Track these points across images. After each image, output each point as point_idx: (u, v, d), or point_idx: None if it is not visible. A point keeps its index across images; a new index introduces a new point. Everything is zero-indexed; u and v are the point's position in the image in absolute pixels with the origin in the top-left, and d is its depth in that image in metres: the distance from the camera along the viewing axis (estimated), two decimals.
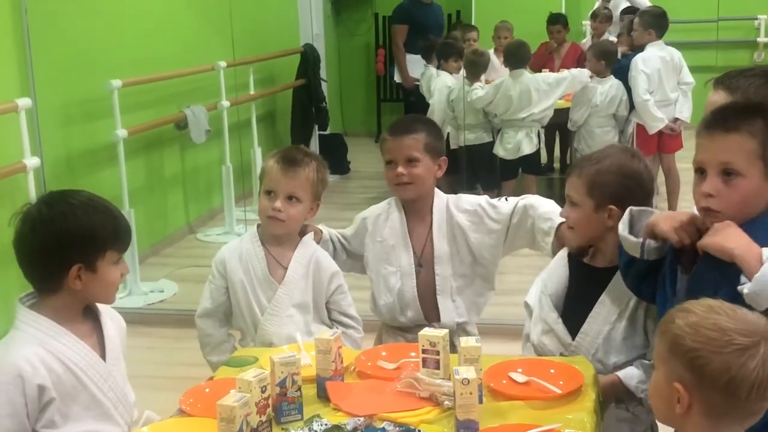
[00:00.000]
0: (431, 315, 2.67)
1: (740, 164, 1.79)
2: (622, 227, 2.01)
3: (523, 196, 2.68)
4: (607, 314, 2.18)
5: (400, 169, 2.58)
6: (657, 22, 5.56)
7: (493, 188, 5.92)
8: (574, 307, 2.24)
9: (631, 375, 2.12)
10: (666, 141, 5.66)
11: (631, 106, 5.65)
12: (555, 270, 2.32)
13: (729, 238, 1.75)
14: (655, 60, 5.52)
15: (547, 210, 2.55)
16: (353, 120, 8.80)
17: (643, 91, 5.48)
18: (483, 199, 2.68)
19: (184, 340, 2.64)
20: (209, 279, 2.58)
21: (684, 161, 5.63)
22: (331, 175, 7.35)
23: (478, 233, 2.65)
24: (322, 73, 7.49)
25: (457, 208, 2.67)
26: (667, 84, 5.56)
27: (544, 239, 2.52)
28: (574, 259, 2.30)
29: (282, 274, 2.51)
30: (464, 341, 1.96)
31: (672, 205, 5.78)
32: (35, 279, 1.94)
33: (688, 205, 5.64)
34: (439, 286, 2.66)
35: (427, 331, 2.02)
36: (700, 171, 1.84)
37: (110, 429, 1.95)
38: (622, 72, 5.62)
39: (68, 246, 1.88)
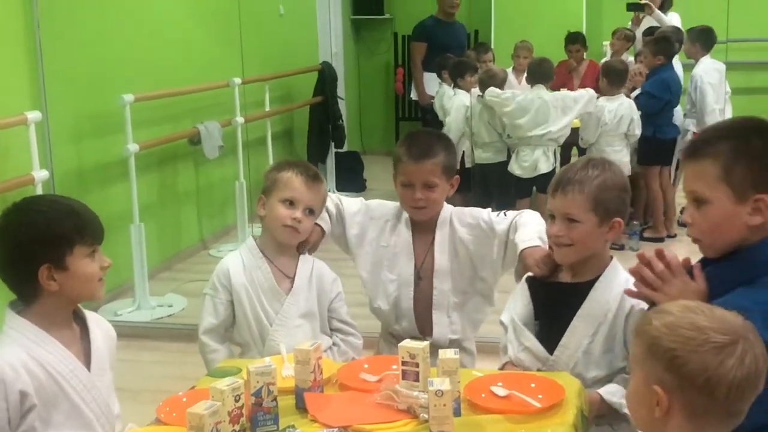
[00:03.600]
0: (426, 328, 2.65)
1: (704, 191, 1.82)
2: None
3: (521, 211, 2.64)
4: (585, 328, 2.16)
5: (419, 195, 2.57)
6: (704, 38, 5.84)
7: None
8: (549, 324, 2.23)
9: (612, 391, 2.08)
10: None
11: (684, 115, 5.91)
12: (518, 296, 2.32)
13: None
14: (713, 72, 5.76)
15: (524, 234, 2.49)
16: (372, 139, 8.80)
17: (714, 100, 5.72)
18: (485, 213, 2.66)
19: (191, 354, 2.63)
20: (209, 294, 2.54)
21: None
22: (347, 193, 7.39)
23: (479, 247, 2.63)
24: (340, 92, 7.50)
25: (459, 223, 2.66)
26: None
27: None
28: (535, 282, 2.29)
29: (286, 284, 2.51)
30: (442, 353, 1.93)
31: None
32: (13, 288, 1.95)
33: None
34: (435, 300, 2.64)
35: (407, 343, 1.99)
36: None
37: None
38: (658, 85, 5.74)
39: (29, 249, 1.88)
